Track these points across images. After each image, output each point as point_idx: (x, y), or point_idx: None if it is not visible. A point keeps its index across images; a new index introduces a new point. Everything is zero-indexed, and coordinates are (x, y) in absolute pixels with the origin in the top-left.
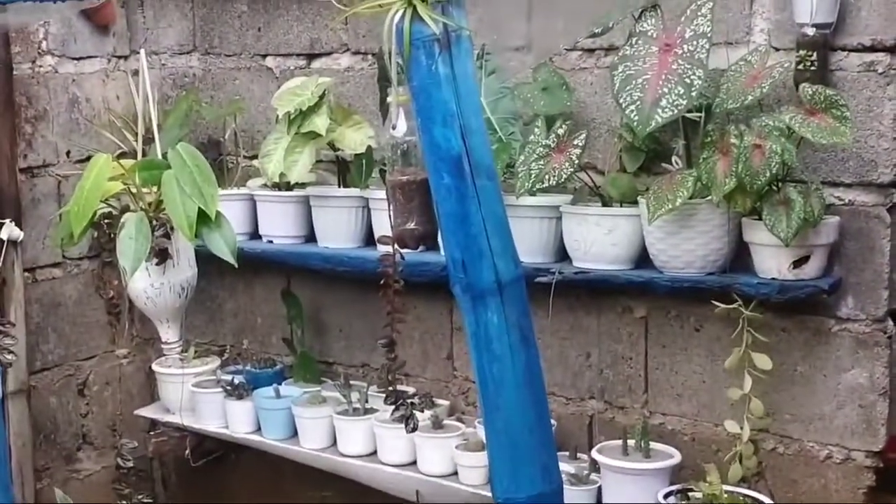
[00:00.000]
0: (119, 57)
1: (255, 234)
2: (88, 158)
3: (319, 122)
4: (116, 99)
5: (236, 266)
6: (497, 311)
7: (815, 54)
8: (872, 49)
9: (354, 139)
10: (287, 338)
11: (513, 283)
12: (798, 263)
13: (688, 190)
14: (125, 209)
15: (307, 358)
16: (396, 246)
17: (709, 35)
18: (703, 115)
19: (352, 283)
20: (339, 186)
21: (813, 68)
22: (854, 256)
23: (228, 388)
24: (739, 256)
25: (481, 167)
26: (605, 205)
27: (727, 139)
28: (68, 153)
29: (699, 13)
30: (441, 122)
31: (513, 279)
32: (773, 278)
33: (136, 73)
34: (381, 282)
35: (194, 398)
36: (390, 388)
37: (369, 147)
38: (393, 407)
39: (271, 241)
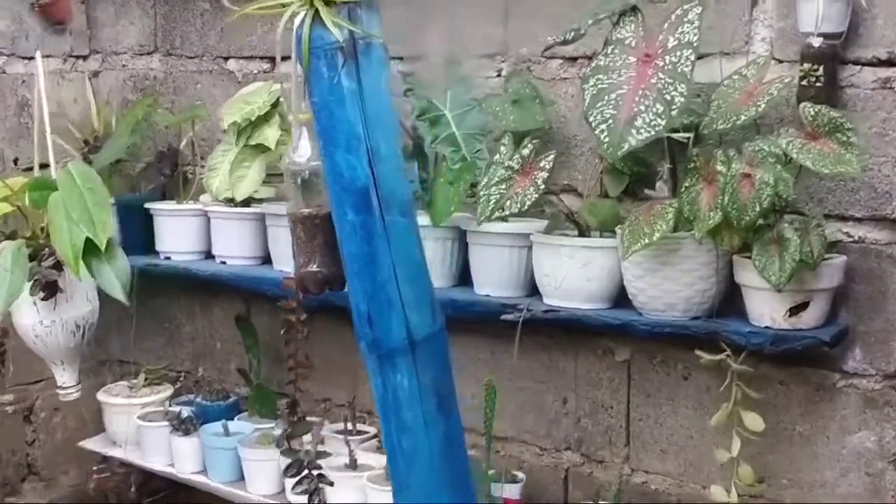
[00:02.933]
0: (77, 57)
1: (209, 253)
2: (43, 167)
3: (270, 134)
4: (74, 102)
5: (126, 304)
6: (408, 374)
7: (821, 68)
8: (889, 63)
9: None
10: (242, 368)
11: (429, 341)
12: (795, 310)
13: (667, 223)
14: (12, 235)
15: (263, 391)
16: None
17: (694, 45)
18: (691, 136)
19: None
20: None
21: (819, 84)
22: (863, 302)
23: (175, 422)
24: (731, 299)
25: (393, 201)
26: (581, 234)
27: (713, 166)
28: (16, 161)
29: (685, 19)
30: (344, 147)
31: (429, 335)
32: (767, 326)
33: (95, 74)
34: (283, 330)
35: (140, 431)
36: (291, 453)
37: None
38: (294, 477)
39: (224, 262)
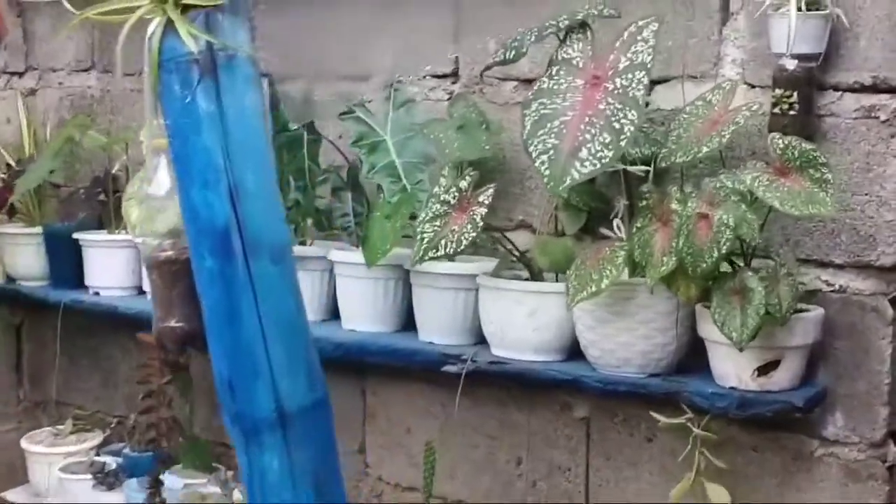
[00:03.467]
0: (12, 73)
1: (142, 289)
2: None
3: None
4: (7, 122)
5: None
6: (278, 454)
7: (795, 94)
8: (874, 89)
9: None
10: (176, 416)
11: (305, 413)
12: (764, 370)
13: (617, 269)
14: None
15: (197, 442)
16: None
17: (648, 66)
18: (650, 169)
19: None
20: None
21: (793, 112)
22: (845, 361)
23: (98, 475)
24: (697, 353)
25: (261, 245)
26: (532, 277)
27: (667, 204)
28: None
29: (639, 37)
30: (200, 180)
31: (305, 407)
32: (732, 387)
33: (32, 92)
34: (140, 397)
35: (61, 484)
36: None
37: None
38: None
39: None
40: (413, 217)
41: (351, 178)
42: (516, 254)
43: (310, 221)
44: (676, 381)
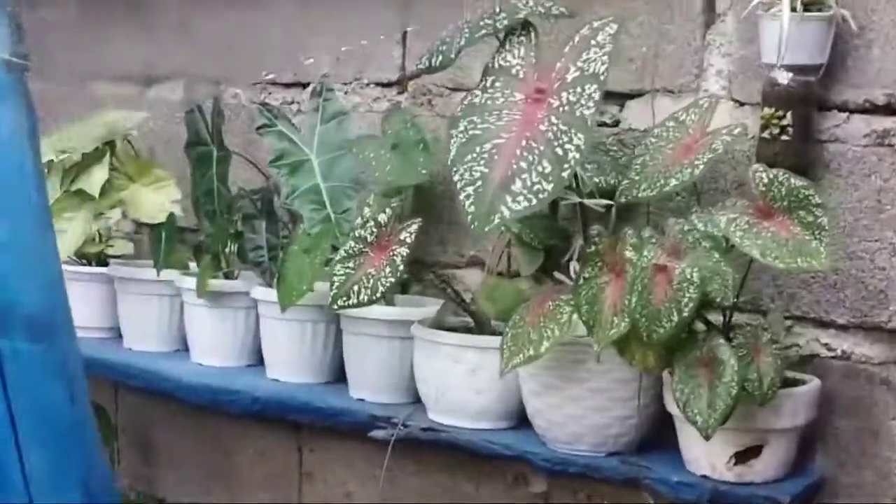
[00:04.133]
0: None
1: None
2: None
3: (95, 179)
4: None
5: None
6: None
7: (787, 115)
8: (889, 110)
9: (151, 203)
10: None
11: None
12: (743, 457)
13: (560, 328)
14: None
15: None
16: None
17: (601, 77)
18: (612, 204)
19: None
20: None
21: (785, 137)
22: (848, 444)
23: None
24: (666, 428)
25: (12, 317)
26: (478, 327)
27: (620, 251)
28: None
29: (594, 41)
30: None
31: None
32: (704, 476)
33: None
34: None
35: None
36: None
37: (171, 215)
38: None
39: None
40: (336, 250)
41: (265, 204)
42: (458, 300)
43: (234, 249)
44: (637, 465)
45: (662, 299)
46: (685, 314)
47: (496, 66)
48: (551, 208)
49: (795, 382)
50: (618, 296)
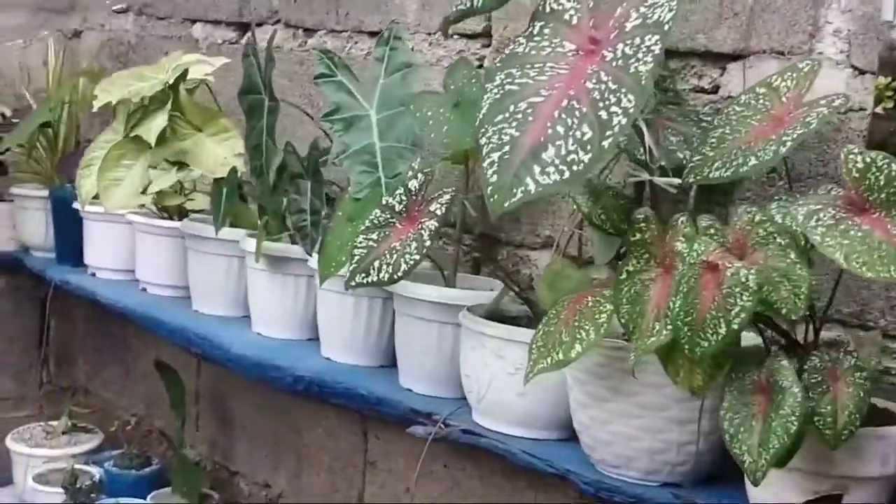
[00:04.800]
0: (50, 10)
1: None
2: None
3: (153, 125)
4: (44, 66)
5: None
6: None
7: None
8: None
9: (212, 155)
10: (165, 430)
11: None
12: None
13: (597, 329)
14: None
15: (185, 462)
16: None
17: (666, 26)
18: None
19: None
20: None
21: None
22: None
23: (70, 489)
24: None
25: None
26: (536, 318)
27: (670, 242)
28: None
29: None
30: None
31: None
32: None
33: (76, 34)
34: None
35: (32, 494)
36: None
37: (234, 169)
38: None
39: (145, 290)
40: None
41: (311, 164)
42: (514, 285)
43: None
44: (697, 497)
45: (709, 306)
46: (734, 326)
47: (547, 8)
48: (636, 187)
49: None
50: (663, 296)
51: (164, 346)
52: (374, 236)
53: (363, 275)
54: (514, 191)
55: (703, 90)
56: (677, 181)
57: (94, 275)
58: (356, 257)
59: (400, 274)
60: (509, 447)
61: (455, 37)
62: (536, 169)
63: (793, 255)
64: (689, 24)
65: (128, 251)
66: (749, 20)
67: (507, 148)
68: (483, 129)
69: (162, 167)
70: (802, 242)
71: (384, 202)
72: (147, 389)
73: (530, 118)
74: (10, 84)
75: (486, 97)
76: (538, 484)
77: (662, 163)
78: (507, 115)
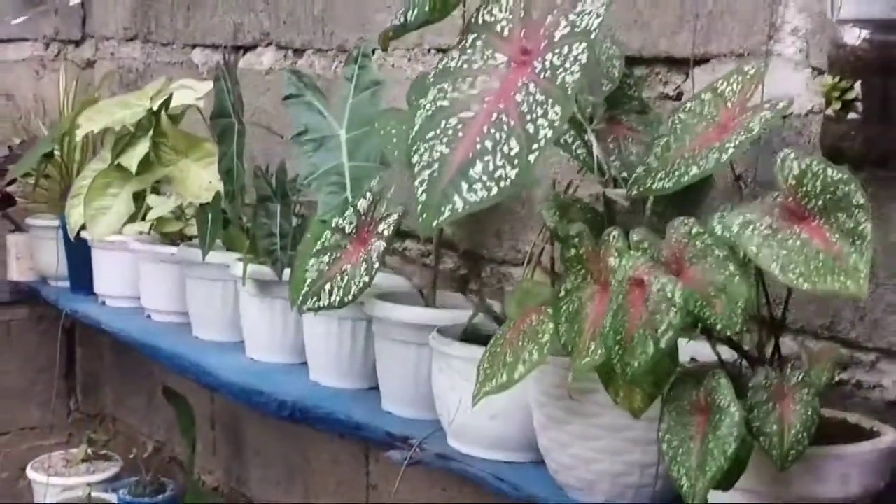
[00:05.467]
0: (65, 41)
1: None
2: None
3: (135, 153)
4: (65, 95)
5: None
6: None
7: (854, 86)
8: None
9: (197, 180)
10: (175, 457)
11: None
12: None
13: (540, 349)
14: None
15: (196, 490)
16: None
17: (593, 34)
18: (627, 194)
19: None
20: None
21: (853, 115)
22: None
23: None
24: None
25: None
26: None
27: (604, 258)
28: None
29: None
30: None
31: None
32: None
33: (90, 63)
34: None
35: None
36: None
37: (218, 194)
38: None
39: (150, 317)
40: None
41: (279, 185)
42: (482, 304)
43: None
44: None
45: (637, 323)
46: (662, 344)
47: (479, 20)
48: (605, 201)
49: (868, 435)
50: (600, 314)
51: (182, 375)
52: (325, 259)
53: (314, 299)
54: (443, 209)
55: (668, 97)
56: (622, 192)
57: (104, 303)
58: (308, 281)
59: (350, 297)
60: (478, 471)
61: (433, 52)
62: (464, 186)
63: (731, 268)
64: (651, 30)
65: (134, 279)
66: (709, 23)
67: (436, 165)
68: (415, 147)
69: (164, 192)
70: (742, 254)
71: (334, 224)
72: (168, 416)
73: (460, 134)
74: (26, 115)
75: (419, 113)
76: None
77: (620, 174)
78: (438, 131)
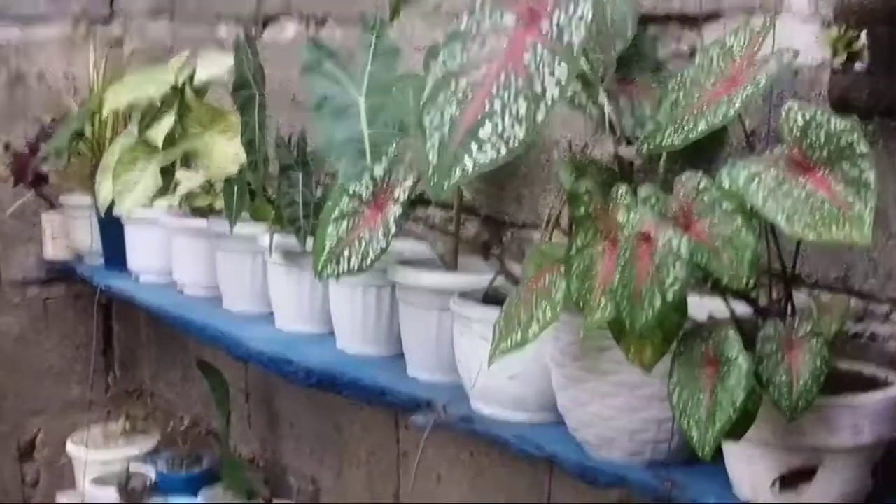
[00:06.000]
0: (93, 20)
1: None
2: None
3: (160, 128)
4: (95, 73)
5: None
6: None
7: (861, 36)
8: None
9: (222, 153)
10: (213, 429)
11: None
12: (791, 480)
13: (554, 307)
14: None
15: (231, 461)
16: None
17: None
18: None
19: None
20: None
21: (860, 66)
22: None
23: (123, 491)
24: None
25: None
26: None
27: (613, 214)
28: (7, 147)
29: None
30: None
31: None
32: (747, 502)
33: (118, 42)
34: None
35: (88, 496)
36: None
37: (243, 167)
38: None
39: (182, 291)
40: None
41: (300, 154)
42: (500, 267)
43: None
44: (670, 481)
45: (644, 278)
46: (669, 298)
47: None
48: (618, 161)
49: (876, 386)
50: (610, 270)
51: (214, 347)
52: (344, 225)
53: (333, 264)
54: (453, 171)
55: (682, 54)
56: (633, 150)
57: (137, 279)
58: (326, 247)
59: (368, 262)
60: (500, 432)
61: (452, 17)
62: (474, 147)
63: (739, 221)
64: None
65: (166, 254)
66: None
67: (446, 128)
68: (427, 110)
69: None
70: (749, 207)
71: (351, 191)
72: (204, 390)
73: (469, 96)
74: (57, 93)
75: (428, 77)
76: (548, 467)
77: (635, 133)
78: (448, 93)
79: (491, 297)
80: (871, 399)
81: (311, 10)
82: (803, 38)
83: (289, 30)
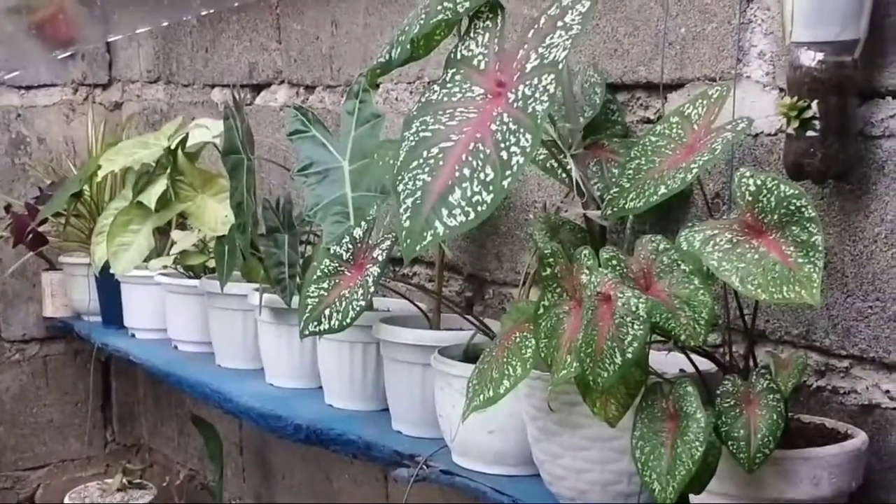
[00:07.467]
0: (91, 86)
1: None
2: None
3: (153, 191)
4: (93, 137)
5: None
6: None
7: (811, 105)
8: None
9: (213, 214)
10: (207, 484)
11: None
12: None
13: (524, 365)
14: None
15: None
16: None
17: (560, 65)
18: (602, 214)
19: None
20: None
21: (812, 133)
22: None
23: None
24: None
25: None
26: None
27: (577, 275)
28: (8, 208)
29: (561, 21)
30: None
31: None
32: None
33: (117, 106)
34: None
35: None
36: None
37: (233, 227)
38: None
39: (176, 347)
40: None
41: (286, 217)
42: (478, 324)
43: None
44: None
45: (605, 336)
46: (629, 355)
47: (458, 55)
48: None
49: (839, 438)
50: (575, 329)
51: (206, 402)
52: (325, 285)
53: (315, 323)
54: (425, 234)
55: (649, 121)
56: (597, 213)
57: (133, 336)
58: (309, 306)
59: (348, 321)
60: (479, 486)
61: (427, 83)
62: (444, 212)
63: (696, 282)
64: (630, 58)
65: (161, 312)
66: (682, 49)
67: (419, 193)
68: (400, 176)
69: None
70: (705, 268)
71: (331, 251)
72: (200, 444)
73: (441, 163)
74: (57, 157)
75: (403, 144)
76: None
77: (602, 195)
78: (420, 161)
79: (471, 354)
80: (829, 452)
81: (300, 77)
82: (763, 105)
83: (280, 95)
